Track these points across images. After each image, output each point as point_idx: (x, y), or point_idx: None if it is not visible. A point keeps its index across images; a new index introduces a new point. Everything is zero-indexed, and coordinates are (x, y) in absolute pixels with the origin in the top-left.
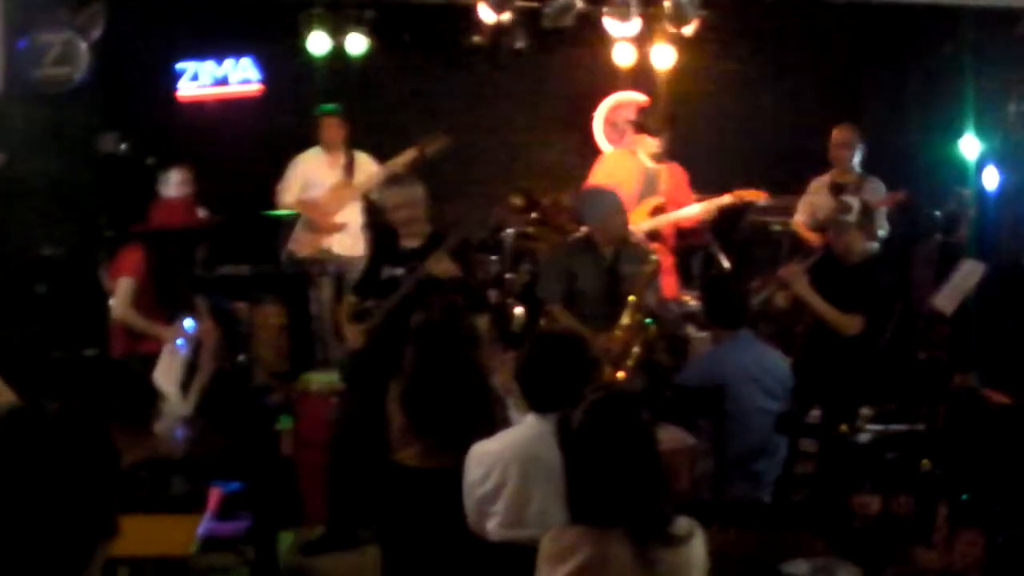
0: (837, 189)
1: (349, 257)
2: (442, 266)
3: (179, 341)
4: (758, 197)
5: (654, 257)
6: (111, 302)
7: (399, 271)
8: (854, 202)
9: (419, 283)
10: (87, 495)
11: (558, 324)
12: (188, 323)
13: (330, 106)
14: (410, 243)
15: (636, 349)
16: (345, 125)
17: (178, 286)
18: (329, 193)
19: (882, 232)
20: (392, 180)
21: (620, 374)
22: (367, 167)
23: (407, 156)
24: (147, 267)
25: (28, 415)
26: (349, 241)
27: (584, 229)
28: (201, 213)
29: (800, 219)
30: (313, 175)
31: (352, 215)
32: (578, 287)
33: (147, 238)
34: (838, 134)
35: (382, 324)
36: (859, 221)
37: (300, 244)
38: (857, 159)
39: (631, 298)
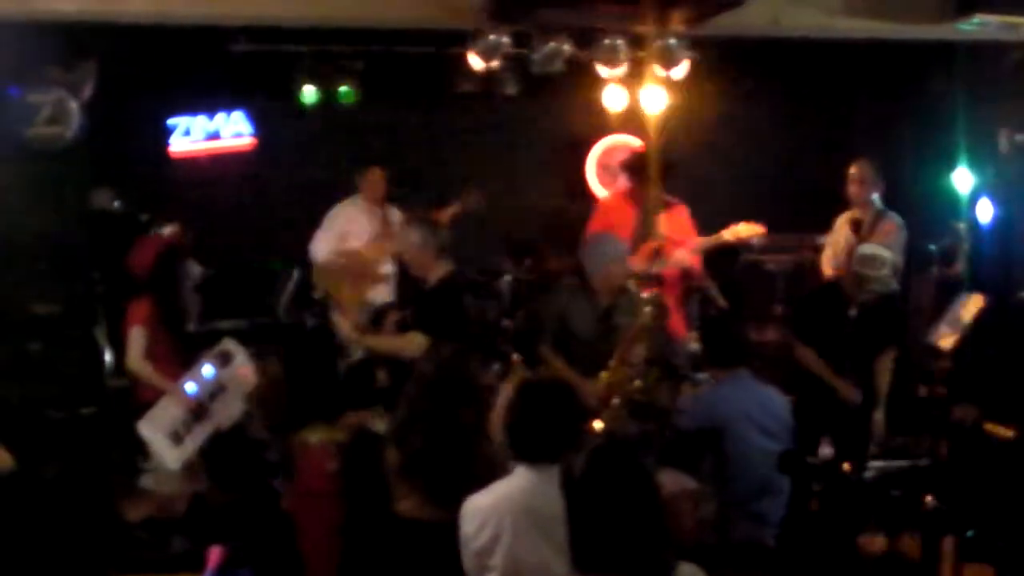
0: (855, 225)
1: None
2: (414, 347)
3: (189, 387)
4: (754, 233)
5: (648, 309)
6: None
7: None
8: (885, 253)
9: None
10: (84, 558)
11: (548, 366)
12: (208, 370)
13: (381, 158)
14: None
15: (616, 401)
16: (389, 178)
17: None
18: (371, 244)
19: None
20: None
21: (597, 423)
22: (400, 220)
23: (449, 210)
24: (157, 316)
25: (25, 479)
26: (389, 292)
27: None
28: (196, 269)
29: (826, 255)
30: (351, 226)
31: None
32: (571, 330)
33: (152, 286)
34: (853, 170)
35: None
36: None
37: (341, 292)
38: (875, 195)
39: (621, 347)
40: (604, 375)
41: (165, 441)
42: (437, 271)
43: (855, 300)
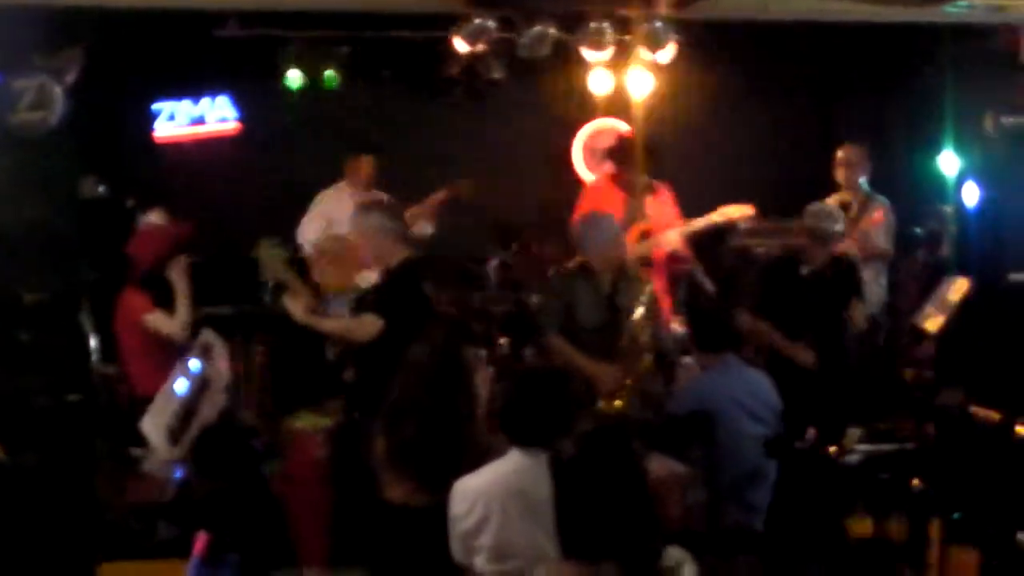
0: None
1: None
2: (367, 330)
3: (180, 385)
4: (744, 215)
5: (650, 287)
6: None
7: None
8: (835, 210)
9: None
10: (70, 545)
11: (560, 355)
12: (194, 364)
13: (369, 145)
14: None
15: (629, 381)
16: (377, 165)
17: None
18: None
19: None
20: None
21: (617, 402)
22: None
23: (437, 197)
24: (155, 306)
25: (12, 467)
26: (376, 277)
27: (579, 257)
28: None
29: None
30: (337, 211)
31: None
32: (576, 317)
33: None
34: (841, 154)
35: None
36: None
37: (329, 278)
38: (863, 178)
39: (630, 329)
40: (618, 355)
41: (164, 439)
42: (396, 256)
43: (812, 262)
